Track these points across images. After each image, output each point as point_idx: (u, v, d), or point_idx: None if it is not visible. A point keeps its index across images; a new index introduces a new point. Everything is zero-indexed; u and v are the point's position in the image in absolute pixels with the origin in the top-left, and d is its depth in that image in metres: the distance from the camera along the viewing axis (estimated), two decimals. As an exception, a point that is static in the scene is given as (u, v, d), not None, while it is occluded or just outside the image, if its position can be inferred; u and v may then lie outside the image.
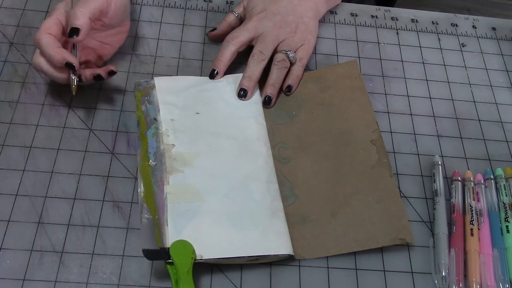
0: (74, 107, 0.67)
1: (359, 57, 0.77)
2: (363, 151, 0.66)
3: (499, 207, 0.64)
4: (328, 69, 0.73)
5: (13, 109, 0.66)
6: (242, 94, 0.69)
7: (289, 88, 0.71)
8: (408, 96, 0.75)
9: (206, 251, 0.56)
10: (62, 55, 0.61)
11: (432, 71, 0.78)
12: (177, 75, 0.72)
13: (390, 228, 0.60)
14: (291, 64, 0.71)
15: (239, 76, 0.70)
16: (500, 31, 0.84)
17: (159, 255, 0.55)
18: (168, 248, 0.55)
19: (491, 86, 0.77)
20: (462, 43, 0.82)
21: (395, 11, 0.85)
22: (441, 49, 0.81)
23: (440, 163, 0.67)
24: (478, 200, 0.64)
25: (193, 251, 0.55)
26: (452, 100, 0.75)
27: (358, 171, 0.64)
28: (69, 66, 0.61)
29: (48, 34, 0.62)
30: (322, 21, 0.80)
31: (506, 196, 0.64)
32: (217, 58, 0.70)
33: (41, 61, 0.63)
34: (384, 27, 0.82)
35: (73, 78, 0.63)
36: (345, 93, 0.71)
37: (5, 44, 0.72)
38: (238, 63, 0.72)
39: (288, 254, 0.58)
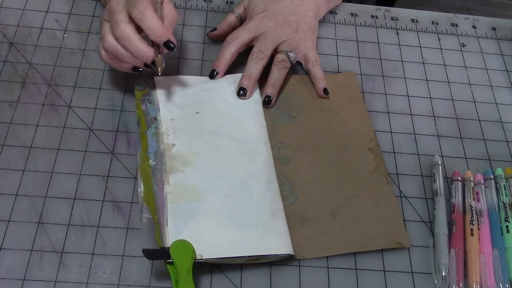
0: (74, 107, 0.67)
1: (359, 57, 0.77)
2: (361, 157, 0.66)
3: (499, 207, 0.64)
4: (327, 77, 0.73)
5: (13, 109, 0.66)
6: (242, 93, 0.69)
7: (326, 90, 0.71)
8: (408, 96, 0.74)
9: (206, 251, 0.56)
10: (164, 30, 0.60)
11: (432, 71, 0.78)
12: (177, 75, 0.72)
13: (389, 231, 0.61)
14: (292, 64, 0.71)
15: (238, 76, 0.70)
16: (500, 31, 0.84)
17: (159, 255, 0.55)
18: (168, 248, 0.55)
19: (491, 86, 0.77)
20: (462, 43, 0.82)
21: (395, 11, 0.85)
22: (441, 49, 0.81)
23: (440, 163, 0.67)
24: (478, 200, 0.64)
25: (193, 251, 0.55)
26: (452, 100, 0.75)
27: (357, 176, 0.65)
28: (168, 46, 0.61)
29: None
30: (322, 21, 0.80)
31: (506, 196, 0.64)
32: (217, 59, 0.70)
33: (128, 29, 0.59)
34: (384, 27, 0.82)
35: (160, 56, 0.62)
36: (343, 101, 0.71)
37: (5, 44, 0.72)
38: (238, 63, 0.72)
39: (288, 254, 0.58)
